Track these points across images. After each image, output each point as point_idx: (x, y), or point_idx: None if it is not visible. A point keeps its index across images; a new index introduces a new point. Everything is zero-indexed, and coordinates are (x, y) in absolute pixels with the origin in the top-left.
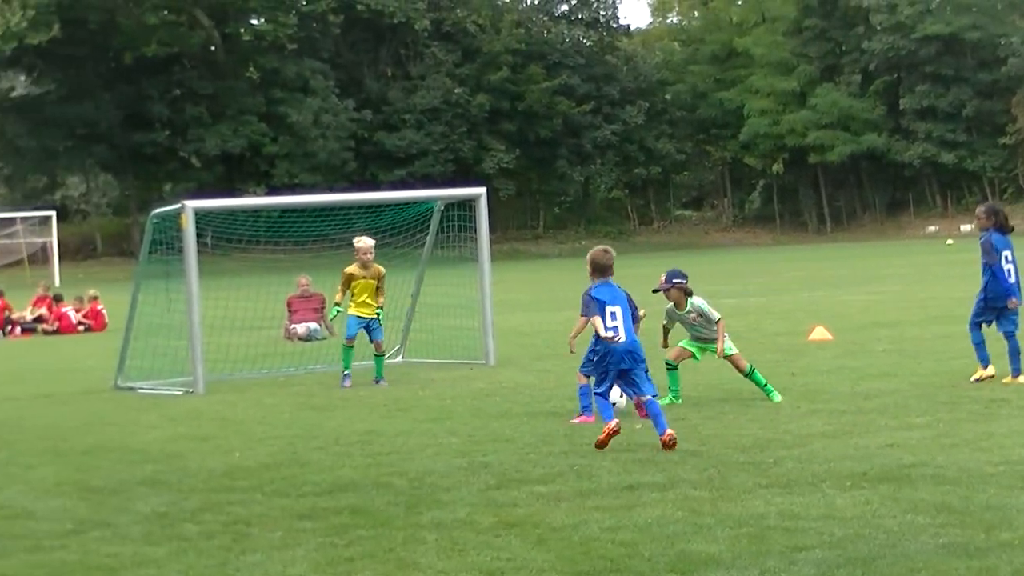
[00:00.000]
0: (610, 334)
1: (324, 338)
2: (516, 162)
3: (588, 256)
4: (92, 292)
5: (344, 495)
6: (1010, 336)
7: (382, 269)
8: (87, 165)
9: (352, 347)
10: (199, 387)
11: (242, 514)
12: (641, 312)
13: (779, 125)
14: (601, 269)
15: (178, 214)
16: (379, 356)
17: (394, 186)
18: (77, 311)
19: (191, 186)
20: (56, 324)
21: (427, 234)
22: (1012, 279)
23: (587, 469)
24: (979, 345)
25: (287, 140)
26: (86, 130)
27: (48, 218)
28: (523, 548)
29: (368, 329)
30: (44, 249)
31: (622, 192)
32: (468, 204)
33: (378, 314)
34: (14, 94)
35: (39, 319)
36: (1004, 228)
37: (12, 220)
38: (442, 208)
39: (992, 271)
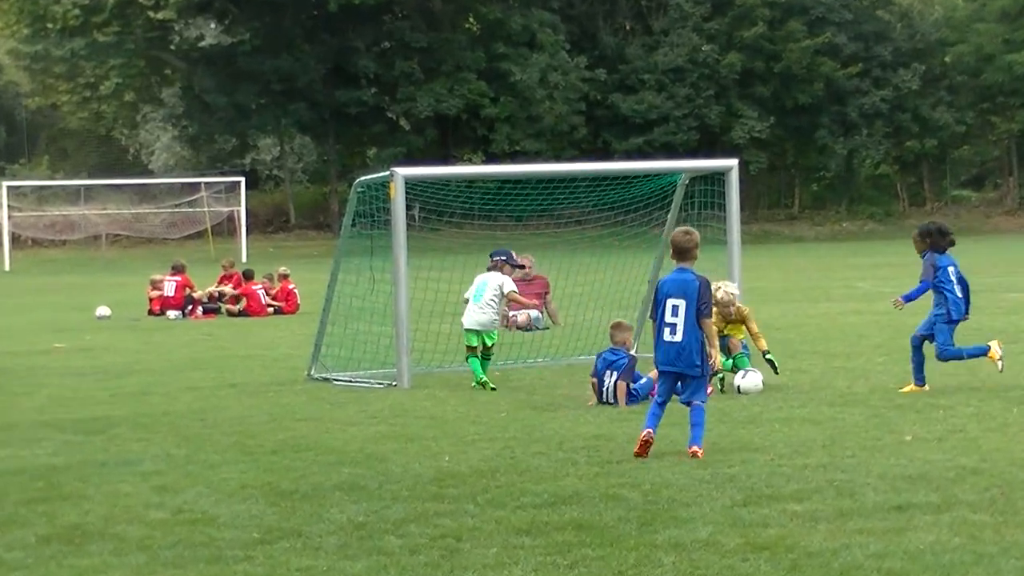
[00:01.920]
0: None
1: (547, 327)
2: (770, 131)
3: (670, 237)
4: (283, 269)
5: (568, 508)
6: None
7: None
8: (282, 126)
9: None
10: (404, 380)
11: (452, 527)
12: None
13: None
14: (679, 252)
15: (386, 183)
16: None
17: (629, 156)
18: (267, 291)
19: (399, 151)
20: (243, 304)
21: (667, 212)
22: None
23: (848, 486)
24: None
25: (509, 101)
26: (283, 86)
27: (236, 184)
28: (774, 574)
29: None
30: (231, 219)
31: (891, 168)
32: (715, 178)
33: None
34: (203, 43)
35: (221, 296)
36: (941, 246)
37: (196, 186)
38: (687, 182)
39: (943, 292)
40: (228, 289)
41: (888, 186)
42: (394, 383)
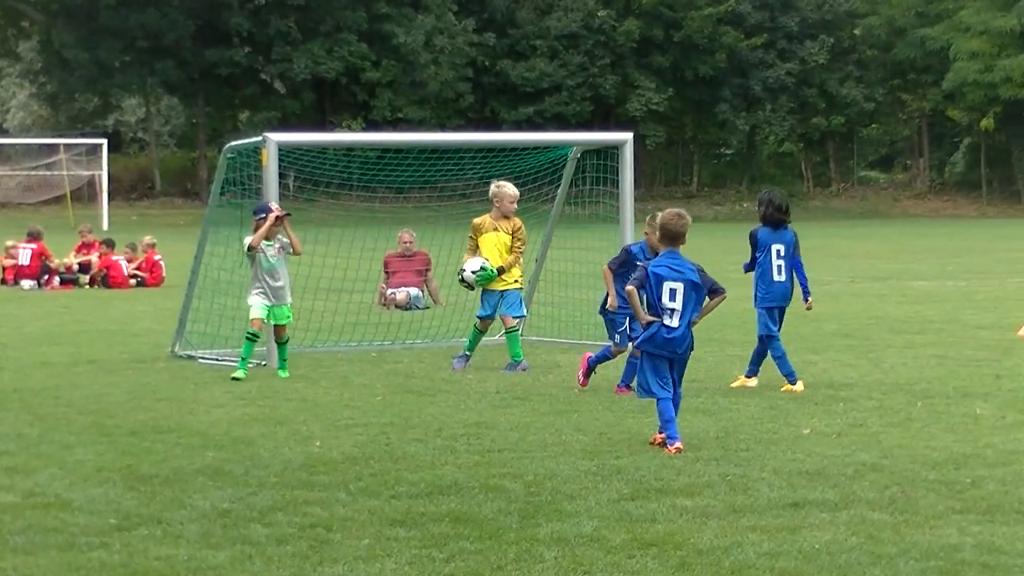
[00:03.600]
0: (652, 319)
1: (427, 307)
2: (668, 104)
3: (659, 219)
4: (148, 239)
5: (446, 499)
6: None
7: (519, 222)
8: (148, 85)
9: (484, 331)
10: (274, 360)
11: (322, 516)
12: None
13: (992, 72)
14: (672, 237)
15: (258, 149)
16: (510, 332)
17: (519, 126)
18: (129, 261)
19: (274, 116)
20: (103, 274)
21: (557, 187)
22: (782, 277)
23: (742, 480)
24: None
25: (392, 65)
26: (149, 43)
27: (98, 147)
28: (660, 573)
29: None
30: (91, 184)
31: (796, 146)
32: (609, 153)
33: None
34: None
35: (85, 268)
36: (774, 221)
37: (55, 148)
38: (578, 156)
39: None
40: (94, 259)
41: (792, 165)
42: (264, 363)
